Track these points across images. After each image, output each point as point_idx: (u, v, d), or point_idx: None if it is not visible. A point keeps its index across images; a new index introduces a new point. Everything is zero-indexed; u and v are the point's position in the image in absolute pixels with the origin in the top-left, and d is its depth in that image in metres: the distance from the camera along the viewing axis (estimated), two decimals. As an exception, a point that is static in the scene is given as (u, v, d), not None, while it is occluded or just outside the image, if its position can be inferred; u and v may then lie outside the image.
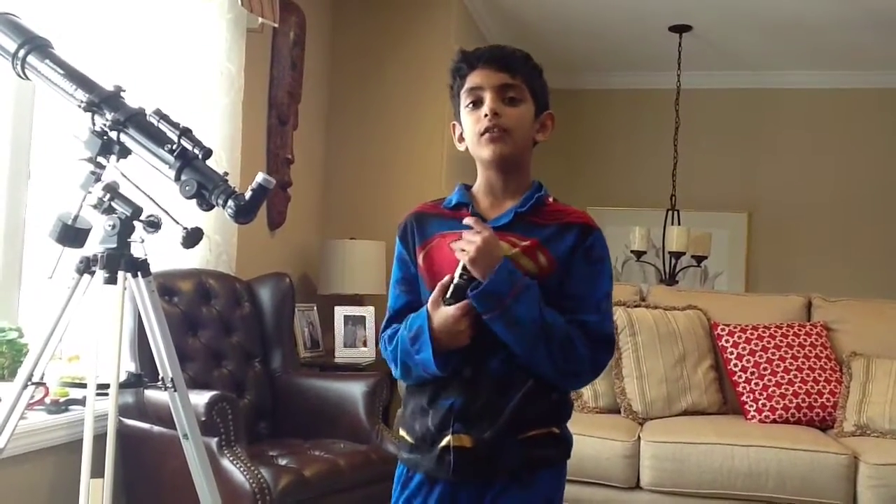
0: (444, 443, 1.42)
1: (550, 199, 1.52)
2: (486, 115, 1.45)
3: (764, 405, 3.30)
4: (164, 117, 1.74)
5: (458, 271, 1.41)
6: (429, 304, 1.43)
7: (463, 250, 1.39)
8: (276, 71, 3.82)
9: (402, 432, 1.53)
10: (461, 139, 1.54)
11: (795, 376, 3.33)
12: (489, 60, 1.48)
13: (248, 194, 1.68)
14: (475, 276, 1.39)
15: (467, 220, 1.43)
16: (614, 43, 5.37)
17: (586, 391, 3.42)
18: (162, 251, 2.57)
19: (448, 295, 1.42)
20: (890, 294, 4.42)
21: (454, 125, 1.56)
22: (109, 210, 1.74)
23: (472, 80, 1.48)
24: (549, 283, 1.43)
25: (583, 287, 1.45)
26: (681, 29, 5.00)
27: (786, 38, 5.09)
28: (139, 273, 1.77)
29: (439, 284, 1.43)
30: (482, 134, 1.46)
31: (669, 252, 4.85)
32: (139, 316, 1.84)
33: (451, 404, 1.43)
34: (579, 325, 1.42)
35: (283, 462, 2.51)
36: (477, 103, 1.48)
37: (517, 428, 1.41)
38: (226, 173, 1.75)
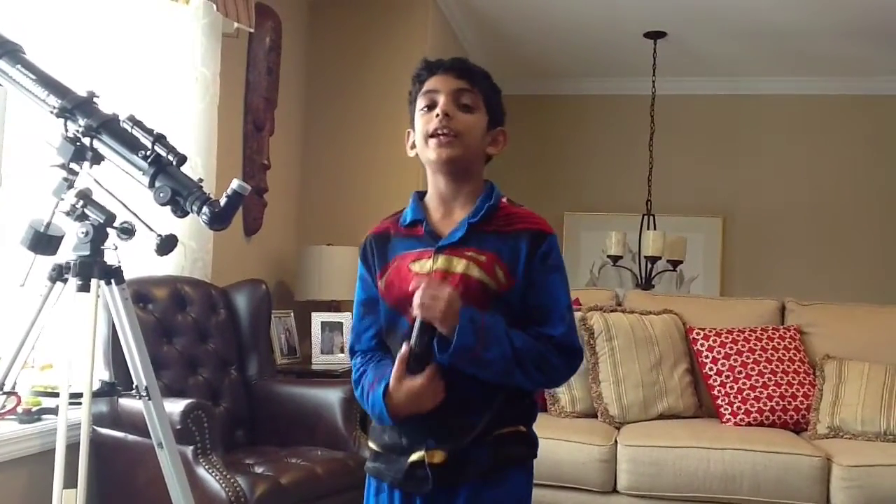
0: (414, 457, 1.42)
1: (504, 201, 1.51)
2: (437, 116, 1.45)
3: (739, 408, 3.33)
4: (137, 123, 1.73)
5: (415, 337, 1.39)
6: (391, 383, 1.41)
7: (423, 304, 1.37)
8: (252, 76, 3.80)
9: (369, 442, 1.53)
10: (413, 146, 1.54)
11: (769, 379, 3.36)
12: (449, 68, 1.50)
13: (222, 201, 1.67)
14: (443, 332, 1.37)
15: (414, 286, 1.40)
16: (589, 49, 5.41)
17: (563, 396, 3.44)
18: (136, 258, 2.55)
19: (410, 362, 1.40)
20: (862, 297, 4.48)
21: (409, 132, 1.55)
22: (82, 217, 1.73)
23: (430, 83, 1.50)
24: (510, 297, 1.43)
25: (545, 297, 1.45)
26: (655, 35, 5.05)
27: (760, 44, 5.15)
28: (112, 280, 1.76)
29: (399, 358, 1.40)
30: (431, 135, 1.46)
31: (645, 257, 4.88)
32: (113, 324, 1.82)
33: (424, 421, 1.42)
34: (547, 339, 1.42)
35: (259, 470, 2.49)
36: (431, 106, 1.48)
37: (486, 431, 1.42)
38: (200, 179, 1.74)
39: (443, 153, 1.45)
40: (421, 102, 1.50)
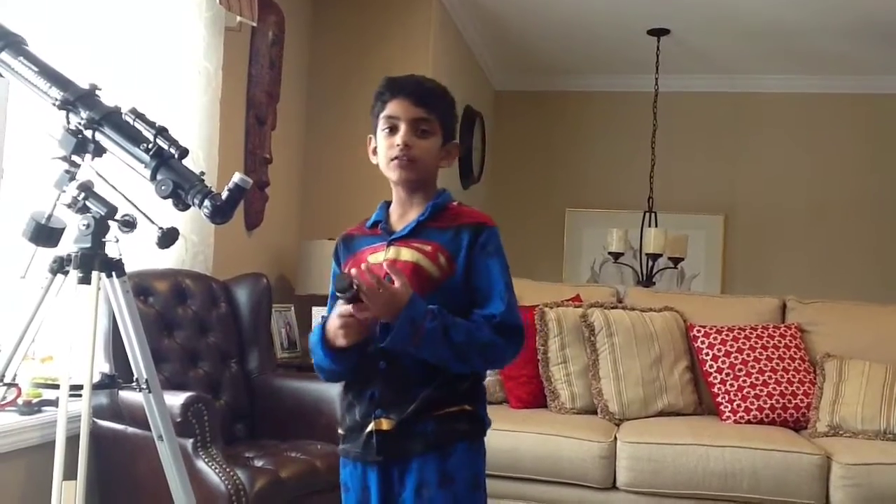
0: (368, 428, 1.60)
1: (454, 204, 1.69)
2: (397, 145, 1.63)
3: (739, 406, 3.33)
4: (139, 116, 1.73)
5: (349, 295, 1.52)
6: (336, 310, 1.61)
7: (370, 294, 1.51)
8: (255, 70, 3.80)
9: (339, 429, 1.71)
10: (374, 153, 1.71)
11: (770, 377, 3.36)
12: (410, 94, 1.64)
13: (224, 194, 1.68)
14: (386, 320, 1.52)
15: (364, 267, 1.58)
16: (593, 46, 5.40)
17: (563, 392, 3.44)
18: (137, 251, 2.55)
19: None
20: (863, 296, 4.48)
21: (370, 138, 1.72)
22: (84, 209, 1.73)
23: (391, 108, 1.65)
24: (453, 282, 1.60)
25: (484, 280, 1.61)
26: (659, 32, 5.04)
27: (763, 42, 5.14)
28: (113, 273, 1.76)
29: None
30: (392, 159, 1.64)
31: (647, 254, 4.88)
32: (113, 316, 1.83)
33: (371, 394, 1.61)
34: (488, 319, 1.57)
35: (259, 463, 2.50)
36: (392, 130, 1.65)
37: (432, 407, 1.58)
38: (202, 173, 1.75)
39: (402, 175, 1.65)
40: (383, 124, 1.66)
